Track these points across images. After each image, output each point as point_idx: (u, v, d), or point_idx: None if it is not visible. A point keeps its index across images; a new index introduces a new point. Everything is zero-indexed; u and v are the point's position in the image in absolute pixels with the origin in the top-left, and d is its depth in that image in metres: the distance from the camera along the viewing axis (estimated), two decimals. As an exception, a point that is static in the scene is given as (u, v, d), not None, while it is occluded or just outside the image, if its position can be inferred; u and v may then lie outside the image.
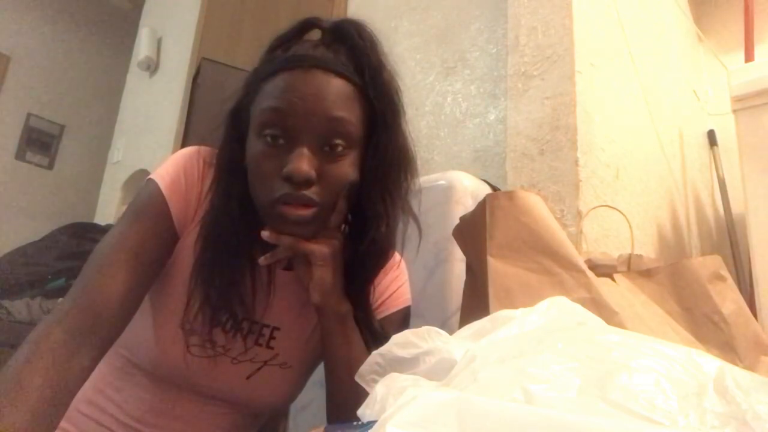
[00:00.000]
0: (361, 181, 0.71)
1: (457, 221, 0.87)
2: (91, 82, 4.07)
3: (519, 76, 1.26)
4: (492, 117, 1.47)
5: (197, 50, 2.29)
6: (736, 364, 0.71)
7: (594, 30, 1.27)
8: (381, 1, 1.91)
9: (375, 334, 0.76)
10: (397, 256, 0.86)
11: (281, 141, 0.67)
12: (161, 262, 0.72)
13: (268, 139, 0.67)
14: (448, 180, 1.15)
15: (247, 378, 0.77)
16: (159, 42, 2.80)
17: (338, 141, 0.67)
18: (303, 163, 0.65)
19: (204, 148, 0.78)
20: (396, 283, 0.84)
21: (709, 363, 0.40)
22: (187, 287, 0.72)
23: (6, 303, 1.87)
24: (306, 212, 0.66)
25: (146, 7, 3.18)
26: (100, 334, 0.64)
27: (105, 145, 3.20)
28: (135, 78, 2.99)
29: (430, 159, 1.57)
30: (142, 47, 2.78)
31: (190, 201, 0.74)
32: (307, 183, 0.66)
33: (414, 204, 0.78)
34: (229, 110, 0.74)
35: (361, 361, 0.63)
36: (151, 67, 2.78)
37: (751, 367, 0.75)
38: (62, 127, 3.95)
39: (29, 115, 3.81)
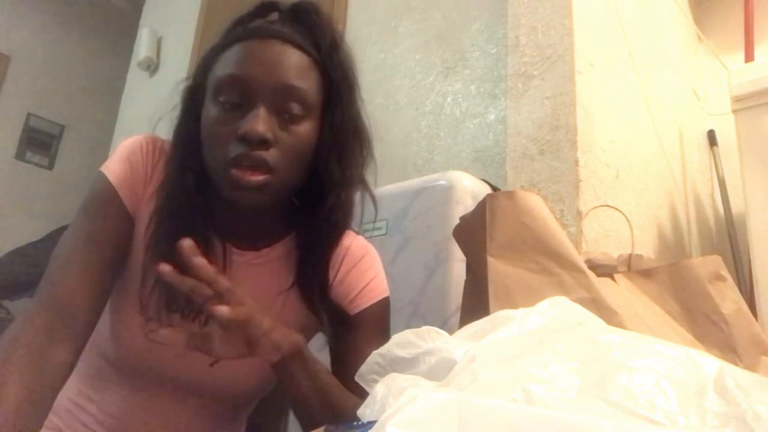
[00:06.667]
0: (317, 151, 0.70)
1: (457, 221, 0.87)
2: (91, 82, 4.07)
3: (519, 76, 1.26)
4: (492, 117, 1.47)
5: (197, 50, 2.29)
6: (736, 364, 0.72)
7: (594, 30, 1.27)
8: (381, 1, 1.90)
9: (337, 315, 0.76)
10: (366, 243, 0.84)
11: (237, 106, 0.67)
12: (121, 248, 0.72)
13: (225, 104, 0.67)
14: (448, 180, 1.15)
15: (210, 365, 0.74)
16: (159, 42, 2.80)
17: (294, 105, 0.67)
18: (258, 122, 0.64)
19: (153, 135, 0.78)
20: (369, 273, 0.81)
21: (709, 363, 0.40)
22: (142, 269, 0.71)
23: (6, 303, 1.87)
24: (258, 178, 0.65)
25: (146, 7, 3.18)
26: (72, 327, 0.64)
27: (105, 145, 3.19)
28: (135, 78, 2.99)
29: (430, 159, 1.57)
30: (142, 47, 2.78)
31: (138, 184, 0.74)
32: (263, 143, 0.65)
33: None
34: (186, 86, 0.74)
35: (333, 387, 0.64)
36: (151, 67, 2.78)
37: (751, 367, 0.75)
38: (62, 127, 3.95)
39: (29, 115, 3.81)
